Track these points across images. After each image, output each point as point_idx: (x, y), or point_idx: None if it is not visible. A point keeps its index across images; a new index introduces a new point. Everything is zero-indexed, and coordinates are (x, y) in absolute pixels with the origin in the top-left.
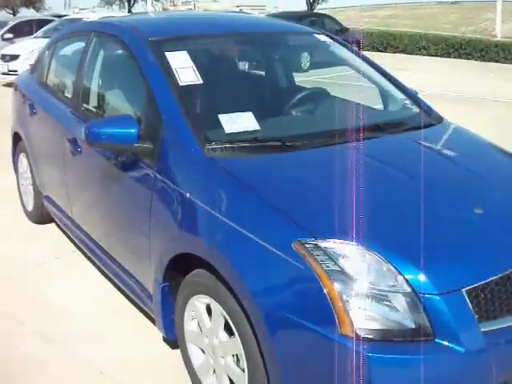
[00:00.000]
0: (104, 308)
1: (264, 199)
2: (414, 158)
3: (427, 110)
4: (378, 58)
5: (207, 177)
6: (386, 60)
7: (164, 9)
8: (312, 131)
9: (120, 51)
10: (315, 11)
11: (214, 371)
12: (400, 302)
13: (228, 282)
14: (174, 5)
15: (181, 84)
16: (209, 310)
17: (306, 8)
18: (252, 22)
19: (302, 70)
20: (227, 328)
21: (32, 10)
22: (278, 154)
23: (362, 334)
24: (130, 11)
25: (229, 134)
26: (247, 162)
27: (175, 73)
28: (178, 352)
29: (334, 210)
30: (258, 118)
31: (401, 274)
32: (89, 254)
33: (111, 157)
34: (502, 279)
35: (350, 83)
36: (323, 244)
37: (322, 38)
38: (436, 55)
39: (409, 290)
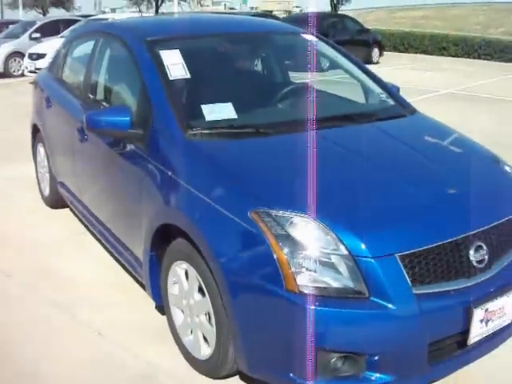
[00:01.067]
0: (107, 280)
1: (230, 175)
2: (372, 143)
3: (402, 103)
4: (396, 57)
5: (185, 158)
6: (403, 60)
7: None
8: (283, 120)
9: (121, 50)
10: (338, 12)
11: (192, 331)
12: (339, 264)
13: (199, 248)
14: (201, 5)
15: (171, 78)
16: (187, 275)
17: (330, 9)
18: (241, 23)
19: (322, 70)
20: (201, 290)
21: (62, 10)
22: (250, 139)
23: (305, 291)
24: (157, 11)
25: (209, 121)
26: (221, 145)
27: (167, 69)
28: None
29: (289, 185)
30: (237, 109)
31: (341, 240)
32: (95, 233)
33: (110, 143)
34: (437, 248)
35: (345, 81)
36: (274, 212)
37: (309, 37)
38: (456, 56)
39: (347, 253)
